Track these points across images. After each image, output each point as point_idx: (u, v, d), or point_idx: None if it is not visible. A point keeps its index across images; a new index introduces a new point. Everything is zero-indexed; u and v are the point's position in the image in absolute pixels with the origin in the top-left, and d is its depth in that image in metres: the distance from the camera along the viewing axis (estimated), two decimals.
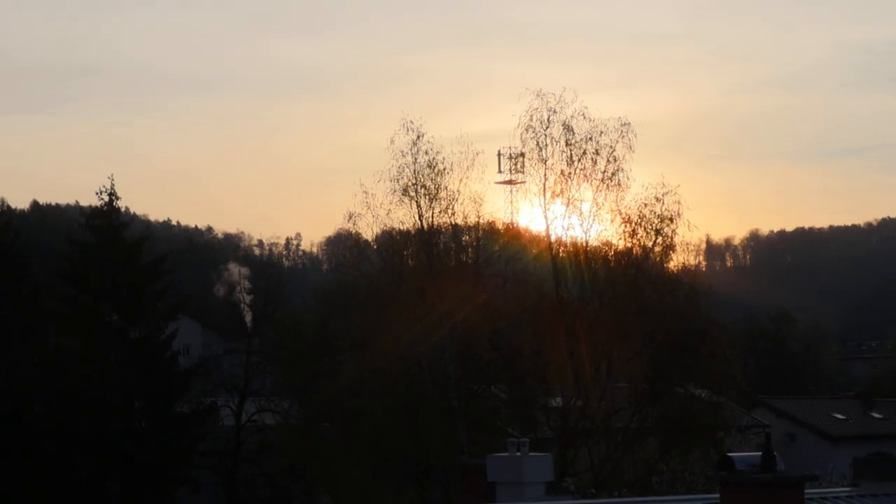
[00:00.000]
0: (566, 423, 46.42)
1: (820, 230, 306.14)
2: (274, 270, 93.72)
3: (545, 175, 47.43)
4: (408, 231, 49.12)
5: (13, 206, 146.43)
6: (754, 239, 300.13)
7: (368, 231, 50.40)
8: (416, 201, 48.09)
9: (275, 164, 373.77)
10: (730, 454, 23.12)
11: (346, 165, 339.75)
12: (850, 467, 29.70)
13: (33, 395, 61.77)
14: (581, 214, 47.49)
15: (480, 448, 43.48)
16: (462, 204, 48.47)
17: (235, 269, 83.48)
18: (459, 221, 49.59)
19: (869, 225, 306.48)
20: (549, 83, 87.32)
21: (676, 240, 47.80)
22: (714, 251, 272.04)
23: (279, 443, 61.66)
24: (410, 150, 48.00)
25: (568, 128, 47.23)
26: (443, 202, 48.19)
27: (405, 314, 47.12)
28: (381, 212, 48.48)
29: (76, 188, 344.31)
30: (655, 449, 46.85)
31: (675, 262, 49.23)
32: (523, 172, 49.25)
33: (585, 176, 47.29)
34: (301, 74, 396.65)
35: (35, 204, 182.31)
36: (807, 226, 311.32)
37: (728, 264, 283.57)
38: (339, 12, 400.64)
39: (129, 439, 60.98)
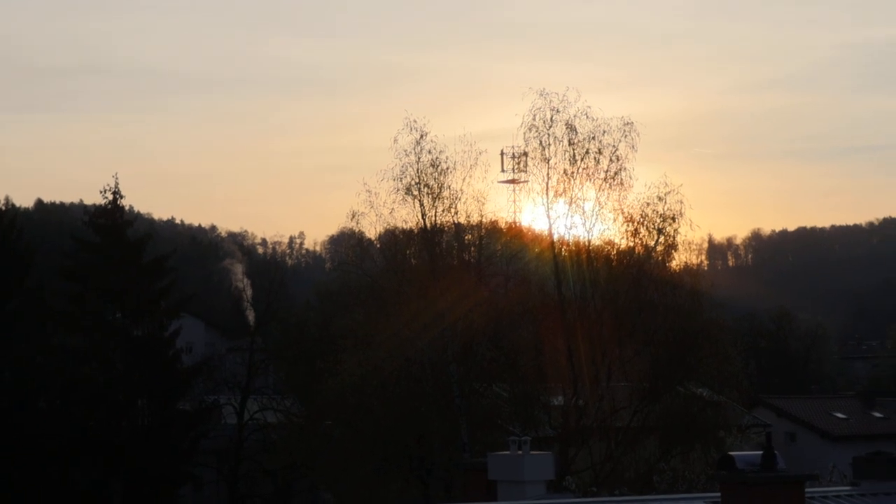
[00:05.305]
0: (567, 421, 46.53)
1: (822, 230, 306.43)
2: (277, 269, 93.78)
3: (548, 174, 47.49)
4: (411, 230, 49.17)
5: (18, 204, 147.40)
6: (756, 238, 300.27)
7: (371, 230, 50.54)
8: (420, 200, 48.20)
9: (278, 163, 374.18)
10: (731, 453, 23.28)
11: (350, 164, 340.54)
12: (851, 466, 29.84)
13: (37, 393, 61.93)
14: (584, 214, 47.53)
15: (482, 446, 43.70)
16: (465, 203, 48.59)
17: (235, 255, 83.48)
18: (462, 220, 49.68)
19: (870, 225, 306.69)
20: (552, 83, 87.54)
21: (678, 239, 47.83)
22: (716, 250, 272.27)
23: (281, 441, 61.86)
24: (414, 149, 48.13)
25: (571, 127, 47.29)
26: (446, 201, 48.30)
27: (408, 312, 47.25)
28: (385, 211, 48.61)
29: (80, 187, 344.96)
30: (656, 448, 46.95)
31: (677, 261, 49.24)
32: (526, 172, 49.26)
33: (588, 175, 47.34)
34: (305, 74, 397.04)
35: (39, 202, 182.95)
36: (808, 225, 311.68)
37: (730, 264, 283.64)
38: (343, 12, 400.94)
39: (132, 437, 61.16)
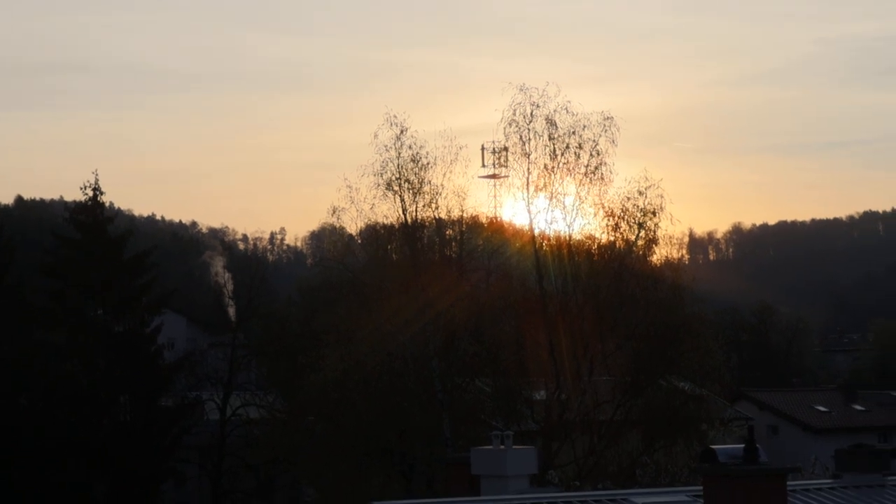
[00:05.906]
0: (549, 416, 46.54)
1: (802, 224, 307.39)
2: (258, 265, 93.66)
3: (528, 169, 47.39)
4: (392, 225, 49.12)
5: None
6: (737, 232, 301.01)
7: (353, 225, 50.50)
8: (400, 195, 48.12)
9: (259, 159, 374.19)
10: (713, 446, 23.31)
11: (331, 160, 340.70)
12: (832, 459, 29.90)
13: (18, 390, 61.73)
14: (564, 208, 47.47)
15: (464, 441, 43.70)
16: (446, 198, 48.53)
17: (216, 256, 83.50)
18: (443, 215, 49.62)
19: (850, 218, 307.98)
20: (533, 78, 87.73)
21: (659, 233, 47.81)
22: (697, 245, 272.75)
23: (264, 436, 61.76)
24: (394, 144, 48.03)
25: (551, 122, 47.20)
26: (426, 196, 48.23)
27: (389, 307, 47.19)
28: (365, 206, 48.53)
29: (61, 183, 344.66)
30: (639, 441, 46.99)
31: (658, 255, 49.20)
32: (507, 167, 49.29)
33: (568, 170, 47.27)
34: (286, 70, 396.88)
35: (20, 199, 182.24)
36: (789, 219, 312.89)
37: (711, 258, 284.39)
38: (324, 8, 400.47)
39: (114, 434, 61.03)
